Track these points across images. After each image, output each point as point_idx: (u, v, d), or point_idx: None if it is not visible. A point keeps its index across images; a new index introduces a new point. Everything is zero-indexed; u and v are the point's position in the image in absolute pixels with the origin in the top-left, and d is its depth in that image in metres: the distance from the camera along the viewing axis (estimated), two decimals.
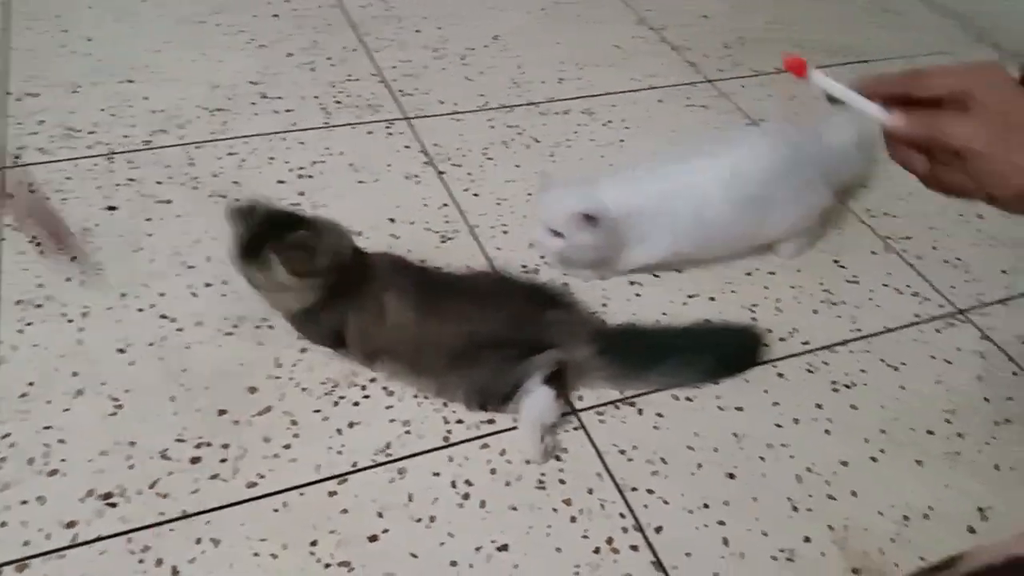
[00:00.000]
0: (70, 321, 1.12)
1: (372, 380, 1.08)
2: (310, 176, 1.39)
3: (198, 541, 0.90)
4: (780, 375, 1.14)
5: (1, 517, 0.90)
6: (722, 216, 1.21)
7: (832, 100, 0.72)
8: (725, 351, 1.15)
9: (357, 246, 1.10)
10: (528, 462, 1.01)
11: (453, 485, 0.98)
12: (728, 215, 1.21)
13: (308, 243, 1.05)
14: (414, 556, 0.91)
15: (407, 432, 1.03)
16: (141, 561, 0.88)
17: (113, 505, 0.93)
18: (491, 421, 1.05)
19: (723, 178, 1.20)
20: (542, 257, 1.27)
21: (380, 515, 0.94)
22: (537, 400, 1.02)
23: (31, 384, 1.04)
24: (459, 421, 1.05)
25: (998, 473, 1.06)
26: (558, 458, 1.02)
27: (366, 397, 1.06)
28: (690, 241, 1.23)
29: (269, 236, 1.03)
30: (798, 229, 1.30)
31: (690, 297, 1.24)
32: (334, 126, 1.50)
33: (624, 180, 1.22)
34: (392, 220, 1.32)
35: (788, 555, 0.95)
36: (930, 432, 1.10)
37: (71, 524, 0.91)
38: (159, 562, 0.88)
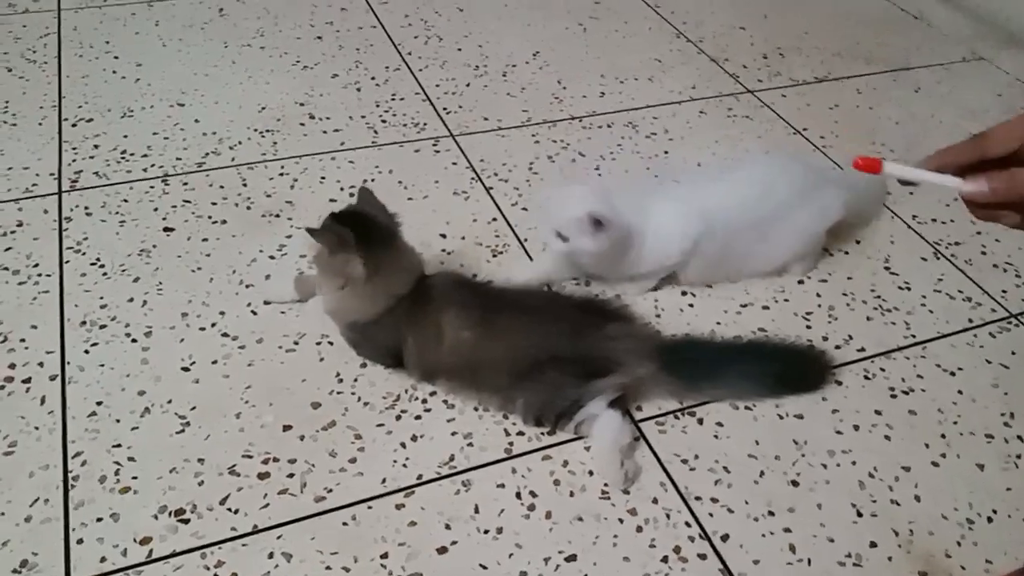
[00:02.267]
0: (134, 341, 1.14)
1: (432, 394, 1.10)
2: None
3: (270, 556, 0.92)
4: (838, 382, 1.15)
5: (77, 534, 0.92)
6: (730, 238, 1.22)
7: (906, 183, 0.74)
8: (789, 372, 1.14)
9: (423, 272, 1.12)
10: (591, 473, 1.01)
11: (518, 496, 0.99)
12: (736, 237, 1.22)
13: (398, 249, 1.09)
14: (484, 567, 0.92)
15: (469, 444, 1.04)
16: None
17: (186, 521, 0.94)
18: (551, 432, 1.06)
19: (734, 201, 1.22)
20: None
21: (448, 527, 0.95)
22: (609, 425, 1.03)
23: (99, 403, 1.06)
24: (520, 433, 1.06)
25: None
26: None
27: (427, 411, 1.08)
28: (701, 261, 1.23)
29: (343, 218, 1.07)
30: (802, 252, 1.30)
31: (743, 307, 1.25)
32: (382, 145, 1.52)
33: (640, 193, 1.24)
34: (443, 236, 1.34)
35: (855, 560, 0.95)
36: (989, 436, 1.10)
37: (146, 540, 0.92)
38: None
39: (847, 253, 1.36)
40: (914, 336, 1.23)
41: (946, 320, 1.26)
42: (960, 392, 1.15)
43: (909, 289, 1.31)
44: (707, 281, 1.27)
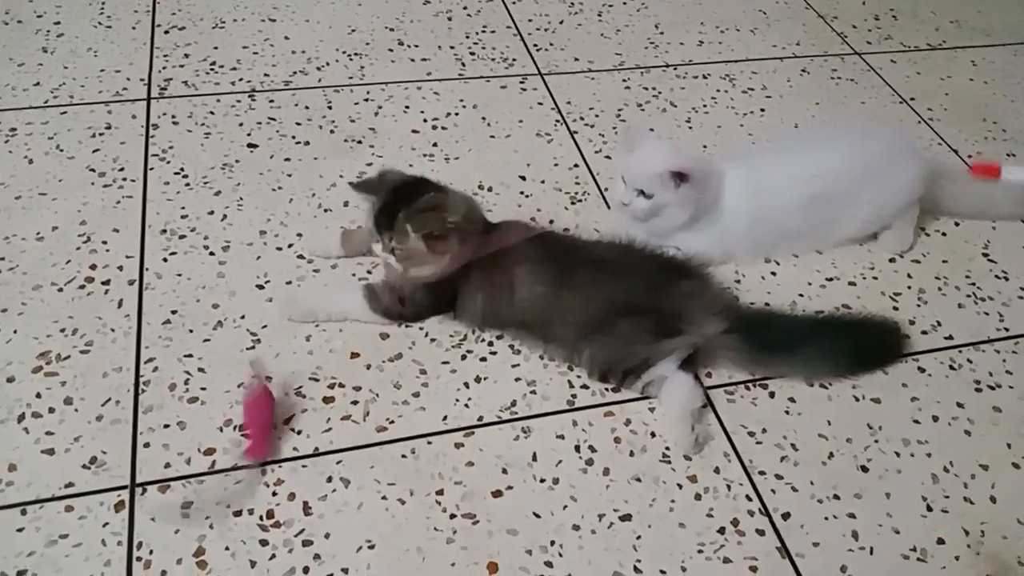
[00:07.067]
0: (212, 254, 1.15)
1: (499, 337, 1.08)
2: (444, 128, 1.39)
3: (329, 479, 0.93)
4: (921, 369, 1.10)
5: (145, 438, 0.95)
6: (792, 218, 1.18)
7: None
8: (864, 348, 1.09)
9: (487, 221, 1.09)
10: (653, 435, 1.00)
11: (577, 450, 0.98)
12: (798, 217, 1.18)
13: (437, 204, 1.03)
14: (537, 516, 0.91)
15: (532, 392, 1.03)
16: (275, 494, 0.91)
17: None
18: (616, 389, 1.04)
19: (800, 179, 1.17)
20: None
21: (504, 471, 0.95)
22: (680, 387, 1.00)
23: (174, 312, 1.08)
24: (584, 386, 1.04)
25: None
26: None
27: (493, 353, 1.07)
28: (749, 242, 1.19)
29: (400, 204, 1.02)
30: (876, 225, 1.24)
31: (829, 280, 1.20)
32: (468, 78, 1.49)
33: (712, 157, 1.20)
34: (523, 178, 1.31)
35: (920, 555, 0.91)
36: None
37: (209, 451, 0.94)
38: (291, 496, 0.91)
39: (944, 235, 1.30)
40: (1007, 329, 1.17)
41: None
42: None
43: (1007, 279, 1.24)
44: (770, 256, 1.23)
